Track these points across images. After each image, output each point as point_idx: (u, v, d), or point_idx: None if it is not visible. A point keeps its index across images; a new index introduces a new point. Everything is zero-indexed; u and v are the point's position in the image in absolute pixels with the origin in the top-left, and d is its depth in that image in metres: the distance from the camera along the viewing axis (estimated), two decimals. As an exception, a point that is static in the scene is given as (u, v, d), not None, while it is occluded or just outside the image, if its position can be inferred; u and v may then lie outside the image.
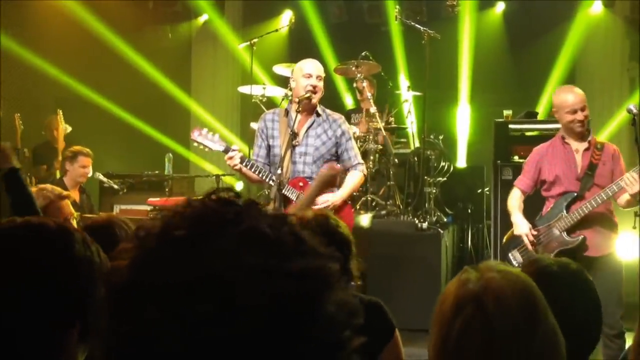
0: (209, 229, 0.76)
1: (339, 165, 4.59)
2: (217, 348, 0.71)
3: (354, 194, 6.23)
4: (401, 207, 6.86)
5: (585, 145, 4.54)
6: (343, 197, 4.65)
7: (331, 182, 3.39)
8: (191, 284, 0.72)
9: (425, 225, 6.23)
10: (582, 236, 4.41)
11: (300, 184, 4.65)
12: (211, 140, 4.63)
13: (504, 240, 4.81)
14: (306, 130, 4.73)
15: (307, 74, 4.71)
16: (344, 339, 0.76)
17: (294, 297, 0.73)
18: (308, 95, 4.66)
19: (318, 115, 4.76)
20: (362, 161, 4.88)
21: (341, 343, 0.75)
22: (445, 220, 7.10)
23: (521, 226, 4.62)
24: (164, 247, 0.76)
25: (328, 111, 4.89)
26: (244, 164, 4.59)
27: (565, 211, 4.46)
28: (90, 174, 6.55)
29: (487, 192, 7.55)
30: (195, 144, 4.70)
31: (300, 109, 4.69)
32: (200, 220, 0.78)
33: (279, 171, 4.59)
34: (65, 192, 3.42)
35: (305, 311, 0.74)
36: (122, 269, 0.77)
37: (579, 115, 4.48)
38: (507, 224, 6.19)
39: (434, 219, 6.81)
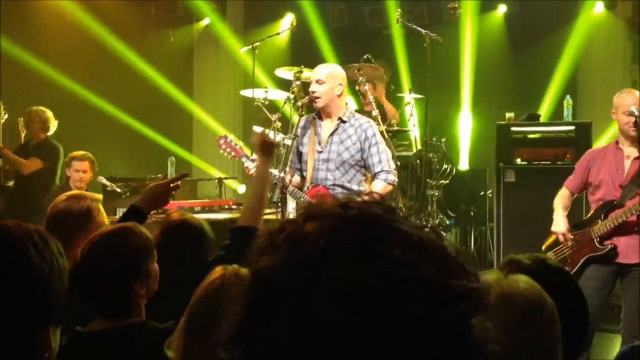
0: (382, 237, 0.74)
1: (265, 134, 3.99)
2: (386, 357, 0.69)
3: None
4: (404, 209, 6.86)
5: (637, 153, 4.50)
6: None
7: (264, 148, 3.10)
8: (371, 290, 0.70)
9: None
10: (612, 245, 4.39)
11: (319, 193, 4.62)
12: (234, 148, 4.76)
13: (544, 247, 4.77)
14: (329, 136, 4.69)
15: (310, 81, 4.75)
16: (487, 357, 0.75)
17: (456, 313, 0.72)
18: (310, 98, 4.70)
19: (343, 121, 4.69)
20: (388, 168, 4.65)
21: None
22: (447, 222, 7.10)
23: (559, 225, 4.61)
24: (337, 249, 0.73)
25: (357, 115, 4.81)
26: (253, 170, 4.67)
27: (602, 218, 4.45)
28: (83, 178, 6.40)
29: (490, 195, 7.55)
30: (221, 151, 4.82)
31: (302, 112, 4.76)
32: (370, 226, 0.75)
33: (282, 174, 4.59)
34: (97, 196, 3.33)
35: (465, 331, 0.73)
36: (277, 267, 0.74)
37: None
38: (510, 226, 6.21)
39: (437, 221, 6.82)
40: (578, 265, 4.46)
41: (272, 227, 0.79)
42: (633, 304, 4.33)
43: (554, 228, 4.64)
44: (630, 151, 4.53)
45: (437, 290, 0.72)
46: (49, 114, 6.84)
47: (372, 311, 0.69)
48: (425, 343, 0.70)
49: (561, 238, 4.58)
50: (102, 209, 3.14)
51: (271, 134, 6.91)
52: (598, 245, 4.44)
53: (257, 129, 7.53)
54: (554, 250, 4.63)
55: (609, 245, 4.40)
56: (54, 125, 6.89)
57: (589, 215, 4.61)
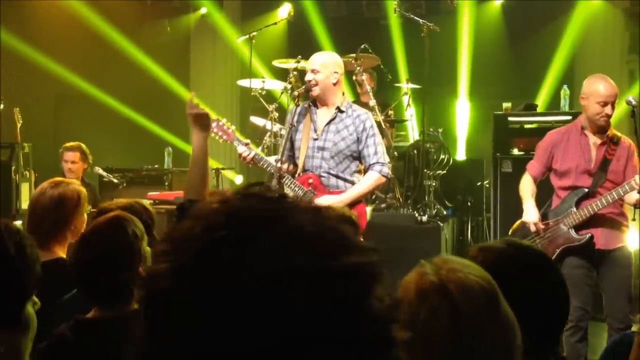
0: (251, 229, 0.73)
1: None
2: (266, 354, 0.68)
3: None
4: (401, 200, 6.86)
5: (603, 138, 4.38)
6: (345, 201, 4.41)
7: (197, 120, 3.10)
8: (239, 288, 0.70)
9: (425, 218, 6.23)
10: (590, 234, 4.32)
11: (310, 180, 4.57)
12: (225, 132, 4.70)
13: (510, 231, 4.73)
14: (326, 125, 4.66)
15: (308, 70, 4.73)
16: (391, 334, 0.73)
17: (341, 296, 0.70)
18: (306, 87, 4.68)
19: (341, 111, 4.63)
20: (382, 160, 4.58)
21: (390, 338, 0.73)
22: (445, 213, 7.10)
23: (530, 214, 4.48)
24: (206, 250, 0.73)
25: (355, 106, 4.76)
26: (252, 158, 4.63)
27: (575, 207, 4.36)
28: (72, 168, 6.36)
29: (487, 185, 7.55)
30: (212, 134, 4.77)
31: (299, 102, 4.74)
32: (240, 219, 0.75)
33: (279, 164, 4.58)
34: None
35: (353, 310, 0.71)
36: (162, 277, 0.73)
37: (608, 109, 4.28)
38: (507, 216, 6.20)
39: (434, 212, 6.82)
40: (554, 256, 4.34)
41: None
42: (614, 287, 4.30)
43: (525, 218, 4.52)
44: (595, 138, 4.40)
45: (310, 275, 0.71)
46: None
47: (244, 307, 0.69)
48: (307, 328, 0.69)
49: (533, 228, 4.46)
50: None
51: (268, 124, 6.91)
52: (574, 236, 4.35)
53: (255, 119, 7.53)
54: (527, 240, 4.59)
55: (587, 235, 4.32)
56: None
57: (557, 204, 4.49)
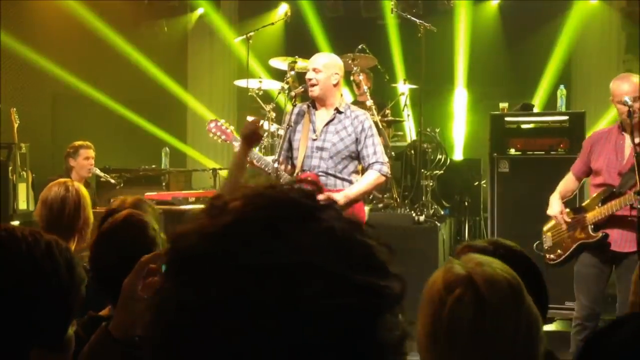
0: (289, 219, 0.74)
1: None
2: (265, 341, 0.69)
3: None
4: (398, 200, 6.87)
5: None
6: (349, 197, 4.45)
7: (251, 136, 3.23)
8: (260, 269, 0.70)
9: (422, 218, 6.24)
10: (604, 233, 4.31)
11: (309, 179, 4.59)
12: (224, 132, 4.71)
13: (545, 227, 4.72)
14: (325, 125, 4.67)
15: (306, 70, 4.73)
16: None
17: (352, 310, 0.70)
18: (305, 87, 4.68)
19: (340, 112, 4.65)
20: (382, 160, 4.62)
21: None
22: (442, 213, 7.11)
23: (552, 207, 4.54)
24: (241, 225, 0.73)
25: (353, 107, 4.78)
26: (249, 157, 4.62)
27: (599, 205, 4.36)
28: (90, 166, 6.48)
29: (484, 185, 7.57)
30: (211, 135, 4.78)
31: (296, 102, 4.75)
32: (282, 207, 0.76)
33: (276, 165, 4.58)
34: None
35: (361, 327, 0.71)
36: (189, 235, 0.75)
37: (635, 106, 4.23)
38: (504, 216, 6.22)
39: (431, 212, 6.83)
40: (570, 250, 4.42)
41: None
42: (627, 291, 4.27)
43: (548, 211, 4.58)
44: (635, 136, 4.33)
45: (330, 280, 0.71)
46: None
47: (255, 289, 0.70)
48: (307, 330, 0.69)
49: (555, 220, 4.53)
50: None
51: (265, 124, 6.91)
52: (591, 233, 4.36)
53: (252, 119, 7.52)
54: (552, 231, 4.61)
55: (601, 234, 4.33)
56: None
57: (589, 200, 4.52)
